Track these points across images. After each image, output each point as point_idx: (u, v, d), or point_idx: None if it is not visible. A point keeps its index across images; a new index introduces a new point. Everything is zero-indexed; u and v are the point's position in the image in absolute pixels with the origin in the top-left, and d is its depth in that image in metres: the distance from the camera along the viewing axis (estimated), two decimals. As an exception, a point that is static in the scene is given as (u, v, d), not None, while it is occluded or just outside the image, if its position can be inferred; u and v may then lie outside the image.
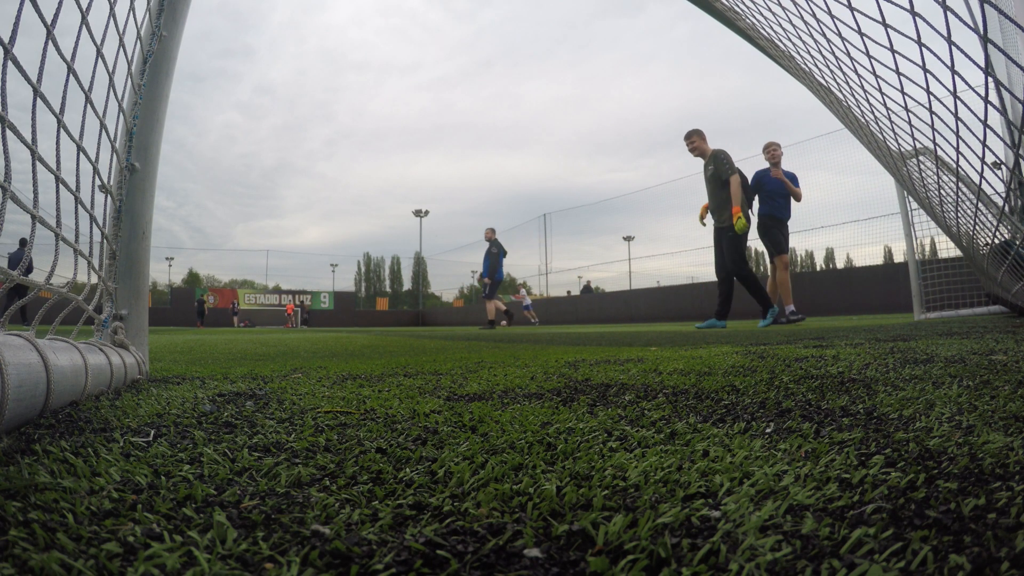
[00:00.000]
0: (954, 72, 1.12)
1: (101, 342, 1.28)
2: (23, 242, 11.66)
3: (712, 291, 18.78)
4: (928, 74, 1.25)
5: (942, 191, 2.46)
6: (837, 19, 1.50)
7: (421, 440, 0.75)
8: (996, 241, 2.67)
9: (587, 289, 29.09)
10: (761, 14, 2.09)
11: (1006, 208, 1.77)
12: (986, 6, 0.96)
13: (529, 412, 0.94)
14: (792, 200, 6.91)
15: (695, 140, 6.64)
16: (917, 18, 1.09)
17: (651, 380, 1.33)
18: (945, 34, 1.04)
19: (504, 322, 11.71)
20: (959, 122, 1.31)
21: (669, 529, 0.43)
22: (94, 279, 1.37)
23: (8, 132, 0.80)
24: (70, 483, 0.54)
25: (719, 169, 6.49)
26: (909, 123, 1.64)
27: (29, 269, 1.21)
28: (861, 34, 1.37)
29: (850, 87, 1.90)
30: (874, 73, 1.54)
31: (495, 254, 11.25)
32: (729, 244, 6.51)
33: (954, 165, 1.65)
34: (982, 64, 1.03)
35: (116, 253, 1.45)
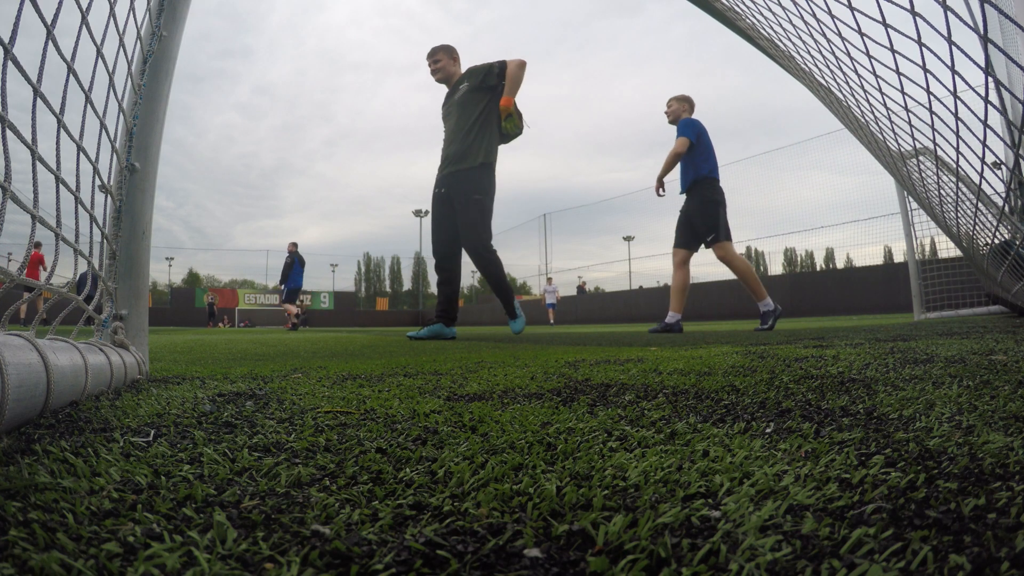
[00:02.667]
0: (954, 72, 1.12)
1: (101, 342, 1.28)
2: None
3: (713, 291, 18.69)
4: (928, 74, 1.25)
5: (942, 191, 2.46)
6: (837, 19, 1.50)
7: (421, 440, 0.75)
8: (996, 241, 2.67)
9: (580, 291, 28.92)
10: (761, 14, 2.09)
11: (1006, 208, 1.77)
12: (986, 6, 0.96)
13: (529, 412, 0.94)
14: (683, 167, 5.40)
15: (440, 58, 4.76)
16: (917, 18, 1.09)
17: (651, 380, 1.33)
18: (945, 34, 1.04)
19: (291, 325, 13.01)
20: (959, 122, 1.31)
21: (669, 529, 0.43)
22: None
23: (8, 132, 0.80)
24: (70, 483, 0.54)
25: (483, 81, 4.49)
26: (909, 123, 1.64)
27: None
28: (861, 34, 1.37)
29: (850, 87, 1.90)
30: (874, 73, 1.54)
31: (289, 264, 13.33)
32: (475, 208, 4.47)
33: (954, 165, 1.65)
34: (982, 64, 1.03)
35: (116, 253, 1.45)
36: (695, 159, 5.34)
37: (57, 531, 0.42)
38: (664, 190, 5.52)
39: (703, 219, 5.27)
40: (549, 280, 26.34)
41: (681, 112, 5.62)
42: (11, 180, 0.79)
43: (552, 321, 23.63)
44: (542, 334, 6.18)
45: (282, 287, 13.56)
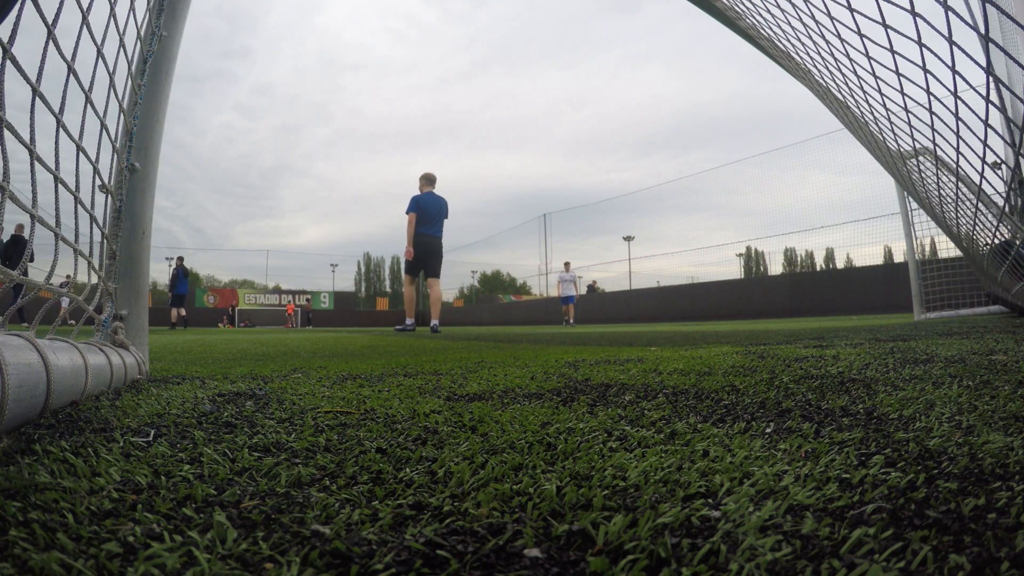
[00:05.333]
0: (954, 72, 1.12)
1: (101, 342, 1.28)
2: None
3: (713, 291, 18.68)
4: (928, 74, 1.25)
5: (942, 191, 2.46)
6: (837, 20, 1.50)
7: (421, 440, 0.75)
8: (996, 241, 2.68)
9: (591, 289, 28.64)
10: (761, 15, 2.09)
11: (1006, 208, 1.77)
12: (987, 5, 0.96)
13: (529, 412, 0.94)
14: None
15: None
16: (917, 18, 1.09)
17: (651, 380, 1.33)
18: (946, 34, 1.04)
19: (173, 325, 15.51)
20: (959, 122, 1.31)
21: (669, 529, 0.43)
22: (94, 279, 1.37)
23: (7, 132, 0.80)
24: (70, 483, 0.54)
25: None
26: (909, 123, 1.64)
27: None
28: (861, 35, 1.37)
29: (850, 87, 1.90)
30: (874, 73, 1.54)
31: (175, 275, 16.10)
32: None
33: (954, 165, 1.65)
34: (983, 63, 1.03)
35: (116, 253, 1.45)
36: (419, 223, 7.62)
37: (57, 531, 0.42)
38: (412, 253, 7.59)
39: None
40: (567, 266, 18.92)
41: (420, 188, 7.76)
42: (10, 180, 0.79)
43: (571, 320, 18.07)
44: (541, 334, 6.17)
45: (170, 293, 16.51)
